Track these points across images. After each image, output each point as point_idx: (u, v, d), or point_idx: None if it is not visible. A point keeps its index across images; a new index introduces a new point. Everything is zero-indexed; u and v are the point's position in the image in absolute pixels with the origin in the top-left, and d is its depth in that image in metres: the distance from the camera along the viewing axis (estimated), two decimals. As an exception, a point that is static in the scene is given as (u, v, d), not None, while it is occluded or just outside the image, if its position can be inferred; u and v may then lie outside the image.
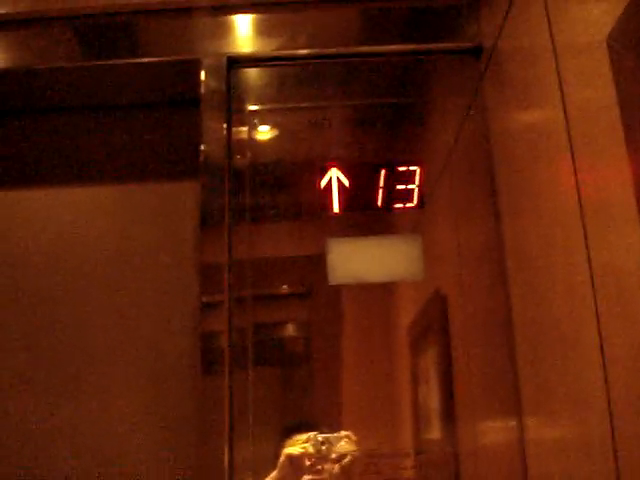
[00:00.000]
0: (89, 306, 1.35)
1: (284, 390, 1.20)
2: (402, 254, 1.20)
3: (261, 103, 1.31)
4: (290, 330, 1.24)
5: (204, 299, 1.18)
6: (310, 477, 1.11)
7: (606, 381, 0.77)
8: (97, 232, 1.39)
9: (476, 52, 1.27)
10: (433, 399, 1.16)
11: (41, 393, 1.30)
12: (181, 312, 1.32)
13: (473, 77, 1.27)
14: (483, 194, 1.21)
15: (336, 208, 1.24)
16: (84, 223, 1.40)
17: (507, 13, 1.11)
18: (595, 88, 0.78)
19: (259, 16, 1.33)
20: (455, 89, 1.28)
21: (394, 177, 1.24)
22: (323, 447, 1.11)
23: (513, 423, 1.09)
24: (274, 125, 1.30)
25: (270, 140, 1.30)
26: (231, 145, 1.26)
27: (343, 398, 1.18)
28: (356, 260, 1.21)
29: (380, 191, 1.24)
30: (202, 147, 1.25)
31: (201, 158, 1.25)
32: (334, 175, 1.25)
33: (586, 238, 0.80)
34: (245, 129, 1.28)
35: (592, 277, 0.79)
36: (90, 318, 1.34)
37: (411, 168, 1.24)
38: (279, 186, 1.26)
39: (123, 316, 1.34)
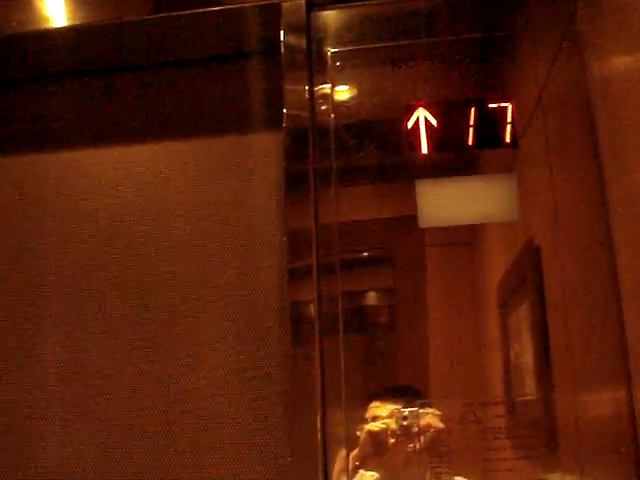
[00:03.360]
0: (171, 266, 1.36)
1: (376, 357, 1.18)
2: (496, 194, 1.17)
3: (342, 46, 1.27)
4: (379, 295, 1.21)
5: (292, 266, 1.17)
6: (393, 453, 1.09)
7: None
8: (180, 189, 1.40)
9: (569, -22, 1.22)
10: (527, 361, 1.12)
11: (125, 351, 1.34)
12: (268, 273, 1.32)
13: (567, 5, 1.20)
14: (580, 132, 1.16)
15: (424, 149, 1.21)
16: (166, 180, 1.41)
17: None
18: None
19: (337, -45, 1.29)
20: (546, 20, 1.22)
21: (485, 115, 1.20)
22: (405, 422, 1.09)
23: (620, 390, 1.05)
24: (356, 69, 1.27)
25: (353, 90, 1.26)
26: (314, 105, 1.24)
27: (435, 363, 1.15)
28: (448, 202, 1.18)
29: (470, 130, 1.20)
30: (284, 110, 1.23)
31: (284, 122, 1.23)
32: (421, 115, 1.22)
33: None
34: (328, 86, 1.25)
35: None
36: (173, 279, 1.35)
37: (502, 105, 1.20)
38: (365, 138, 1.23)
39: (208, 273, 1.35)
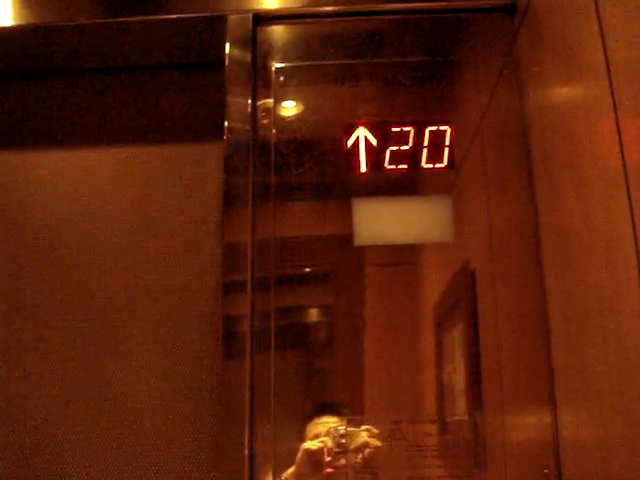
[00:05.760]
0: (106, 274, 1.34)
1: (307, 374, 1.17)
2: (431, 215, 1.19)
3: (287, 62, 1.28)
4: (314, 311, 1.22)
5: (226, 280, 1.17)
6: (330, 471, 1.09)
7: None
8: (118, 196, 1.38)
9: (510, 9, 1.24)
10: (460, 382, 1.14)
11: (59, 360, 1.31)
12: (204, 284, 1.31)
13: (507, 36, 1.24)
14: (516, 160, 1.18)
15: (363, 168, 1.22)
16: (105, 187, 1.39)
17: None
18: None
19: (285, -29, 1.30)
20: (488, 48, 1.25)
21: (423, 137, 1.22)
22: (343, 440, 1.09)
23: (546, 414, 1.07)
24: (300, 85, 1.27)
25: (296, 108, 1.27)
26: (256, 119, 1.24)
27: (369, 380, 1.16)
28: (383, 221, 1.19)
29: (409, 151, 1.21)
30: (226, 123, 1.23)
31: (225, 135, 1.23)
32: (361, 134, 1.23)
33: (631, 209, 0.77)
34: (271, 101, 1.26)
35: (637, 252, 0.76)
36: (106, 286, 1.33)
37: (441, 128, 1.22)
38: (305, 155, 1.23)
39: (142, 283, 1.33)
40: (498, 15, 1.25)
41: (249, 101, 1.24)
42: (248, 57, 1.26)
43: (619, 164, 0.78)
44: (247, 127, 1.23)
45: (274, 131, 1.24)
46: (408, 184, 1.22)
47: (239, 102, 1.24)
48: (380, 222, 1.19)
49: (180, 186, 1.37)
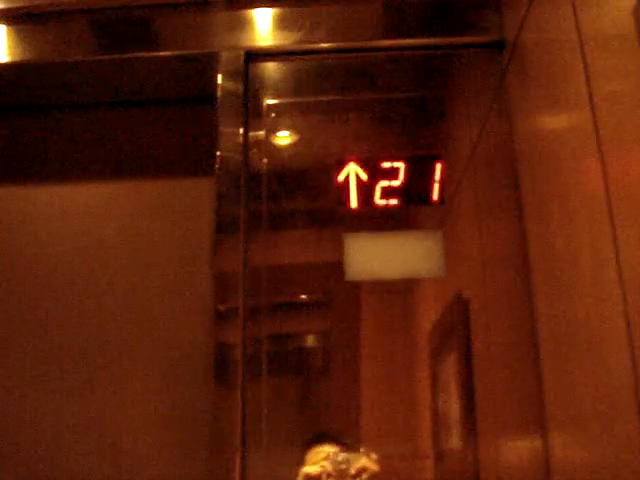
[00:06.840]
0: (100, 305, 1.34)
1: (299, 401, 1.18)
2: (422, 250, 1.18)
3: (278, 98, 1.29)
4: (305, 339, 1.21)
5: (218, 308, 1.17)
6: None
7: (637, 394, 0.73)
8: (111, 230, 1.39)
9: (499, 45, 1.25)
10: (454, 410, 1.13)
11: (52, 393, 1.30)
12: (195, 313, 1.31)
13: (496, 71, 1.25)
14: (507, 192, 1.19)
15: (354, 203, 1.22)
16: (98, 220, 1.40)
17: (530, 4, 1.09)
18: (624, 81, 0.76)
19: (277, 9, 1.32)
20: (478, 83, 1.26)
21: (414, 172, 1.22)
22: (342, 465, 1.09)
23: (537, 438, 1.06)
24: (291, 121, 1.28)
25: (287, 139, 1.28)
26: (248, 149, 1.25)
27: (361, 408, 1.15)
28: (374, 256, 1.19)
29: (400, 186, 1.21)
30: (218, 153, 1.24)
31: (217, 164, 1.23)
32: (352, 170, 1.23)
33: (615, 238, 0.77)
34: (262, 132, 1.26)
35: (621, 281, 0.75)
36: (100, 317, 1.33)
37: (432, 163, 1.22)
38: (296, 186, 1.24)
39: (136, 314, 1.33)
40: (488, 51, 1.26)
41: (241, 131, 1.25)
42: (240, 90, 1.27)
43: (603, 194, 0.78)
44: (239, 157, 1.23)
45: (265, 160, 1.25)
46: (399, 219, 1.22)
47: (231, 132, 1.25)
48: (371, 257, 1.19)
49: (173, 219, 1.38)
